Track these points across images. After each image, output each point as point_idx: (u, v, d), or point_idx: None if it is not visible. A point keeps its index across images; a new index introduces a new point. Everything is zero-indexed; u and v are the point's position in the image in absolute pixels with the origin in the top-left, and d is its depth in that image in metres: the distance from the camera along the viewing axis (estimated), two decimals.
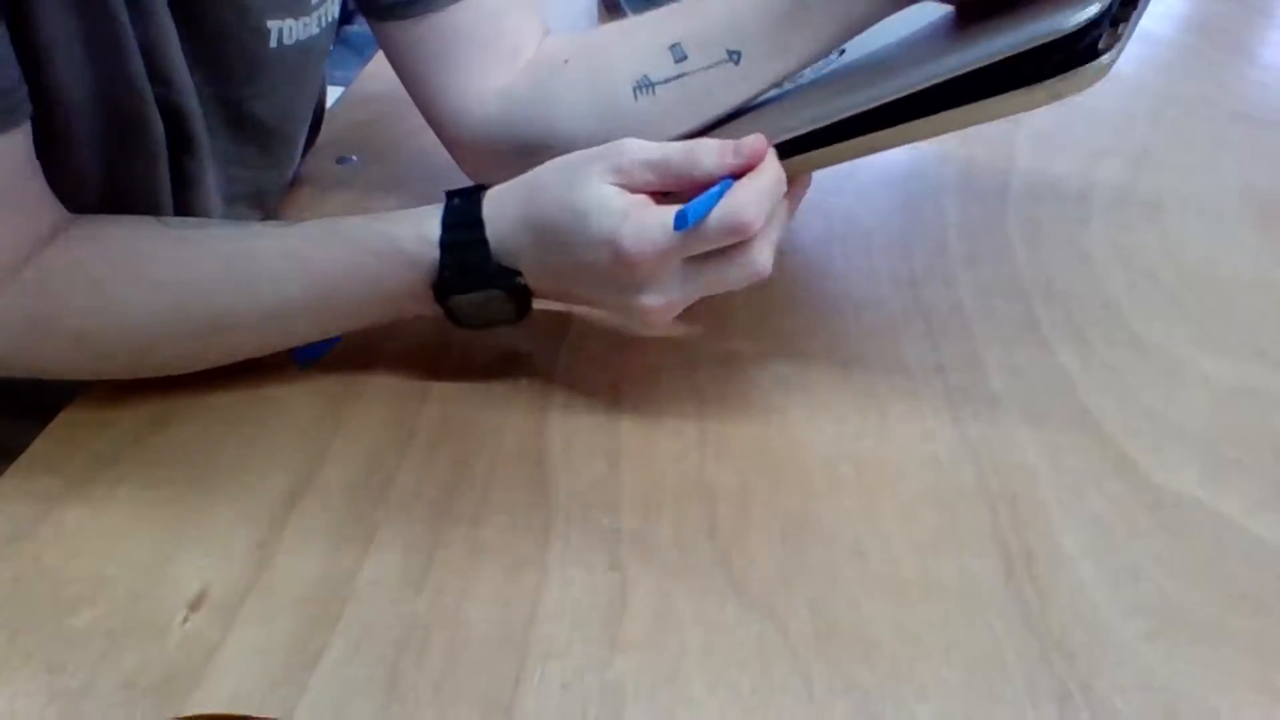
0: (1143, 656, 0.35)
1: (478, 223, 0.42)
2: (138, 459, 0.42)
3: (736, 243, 0.39)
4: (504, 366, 0.48)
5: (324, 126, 0.66)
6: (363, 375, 0.47)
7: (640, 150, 0.40)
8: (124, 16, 0.42)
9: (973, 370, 0.48)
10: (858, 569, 0.38)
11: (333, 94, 0.76)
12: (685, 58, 0.49)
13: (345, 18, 0.61)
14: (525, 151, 0.53)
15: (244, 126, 0.52)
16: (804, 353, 0.49)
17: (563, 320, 0.51)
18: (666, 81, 0.49)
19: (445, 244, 0.42)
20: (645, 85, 0.50)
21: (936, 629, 0.36)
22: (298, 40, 0.50)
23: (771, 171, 0.40)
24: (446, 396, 0.46)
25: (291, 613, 0.36)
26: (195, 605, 0.36)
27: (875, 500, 0.41)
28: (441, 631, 0.35)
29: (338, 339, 0.47)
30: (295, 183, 0.63)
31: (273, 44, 0.49)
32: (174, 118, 0.47)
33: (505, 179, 0.58)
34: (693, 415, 0.45)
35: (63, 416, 0.44)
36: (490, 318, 0.44)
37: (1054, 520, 0.40)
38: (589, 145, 0.52)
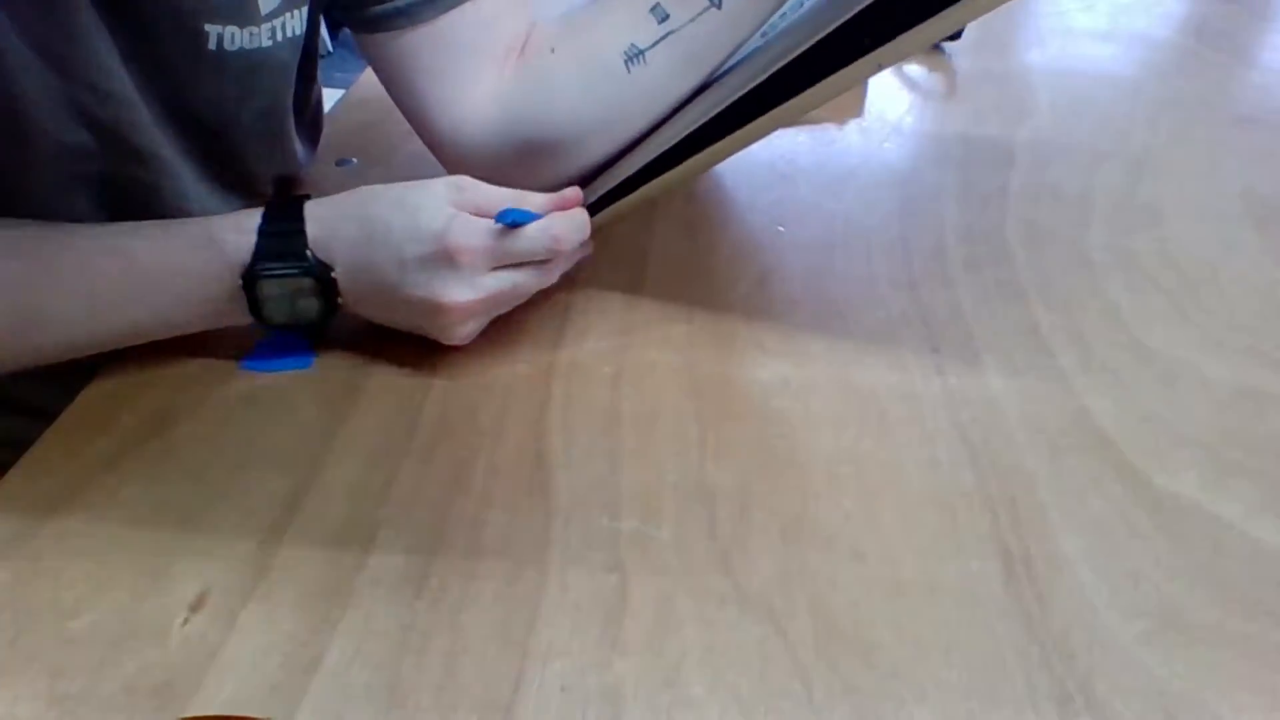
0: (1142, 659, 0.35)
1: (298, 215, 0.45)
2: (138, 461, 0.42)
3: (540, 261, 0.47)
4: (504, 366, 0.48)
5: (324, 129, 0.66)
6: (363, 375, 0.47)
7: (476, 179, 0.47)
8: (9, 38, 0.40)
9: (972, 372, 0.48)
10: (858, 570, 0.38)
11: (333, 96, 0.76)
12: (668, 16, 0.49)
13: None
14: (528, 151, 0.53)
15: (188, 126, 0.50)
16: (804, 354, 0.50)
17: (562, 319, 0.51)
18: (654, 45, 0.49)
19: (262, 230, 0.44)
20: (635, 54, 0.49)
21: (936, 631, 0.36)
22: (242, 48, 0.48)
23: (582, 214, 0.49)
24: (446, 396, 0.46)
25: (292, 615, 0.36)
26: (196, 608, 0.36)
27: (875, 502, 0.41)
28: (441, 633, 0.35)
29: (306, 360, 0.48)
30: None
31: (211, 46, 0.47)
32: (109, 129, 0.45)
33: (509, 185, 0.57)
34: (693, 415, 0.45)
35: (63, 418, 0.44)
36: (296, 313, 0.45)
37: (1054, 523, 0.40)
38: (593, 129, 0.52)
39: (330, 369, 0.47)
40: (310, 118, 0.62)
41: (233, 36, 0.48)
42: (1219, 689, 0.34)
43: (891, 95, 0.80)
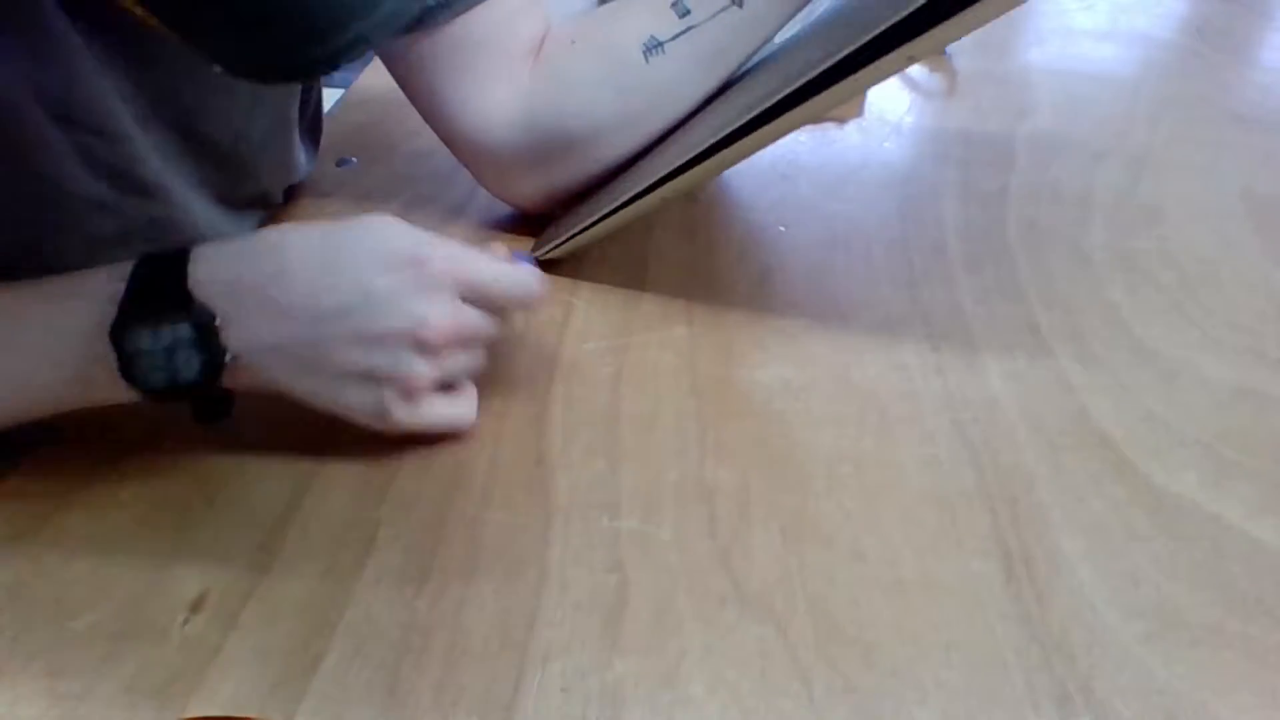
0: (1142, 659, 0.35)
1: (181, 253, 0.37)
2: (138, 462, 0.42)
3: (498, 309, 0.42)
4: (504, 367, 0.48)
5: (323, 129, 0.66)
6: None
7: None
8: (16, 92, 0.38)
9: (972, 372, 0.48)
10: (858, 570, 0.38)
11: (332, 96, 0.76)
12: (689, 12, 0.49)
13: None
14: (548, 147, 0.53)
15: (198, 152, 0.49)
16: (804, 353, 0.50)
17: (562, 320, 0.51)
18: (675, 38, 0.49)
19: (134, 273, 0.37)
20: (654, 46, 0.49)
21: (936, 630, 0.36)
22: None
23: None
24: None
25: (292, 615, 0.36)
26: (196, 608, 0.36)
27: (875, 501, 0.41)
28: (441, 634, 0.35)
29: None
30: (295, 186, 0.63)
31: (217, 68, 0.47)
32: (122, 172, 0.44)
33: (534, 187, 0.57)
34: (693, 415, 0.45)
35: (63, 419, 0.44)
36: (176, 376, 0.37)
37: (1054, 522, 0.40)
38: (611, 122, 0.52)
39: None
40: (310, 120, 0.62)
41: None
42: (1219, 689, 0.34)
43: (892, 95, 0.80)
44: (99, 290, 0.37)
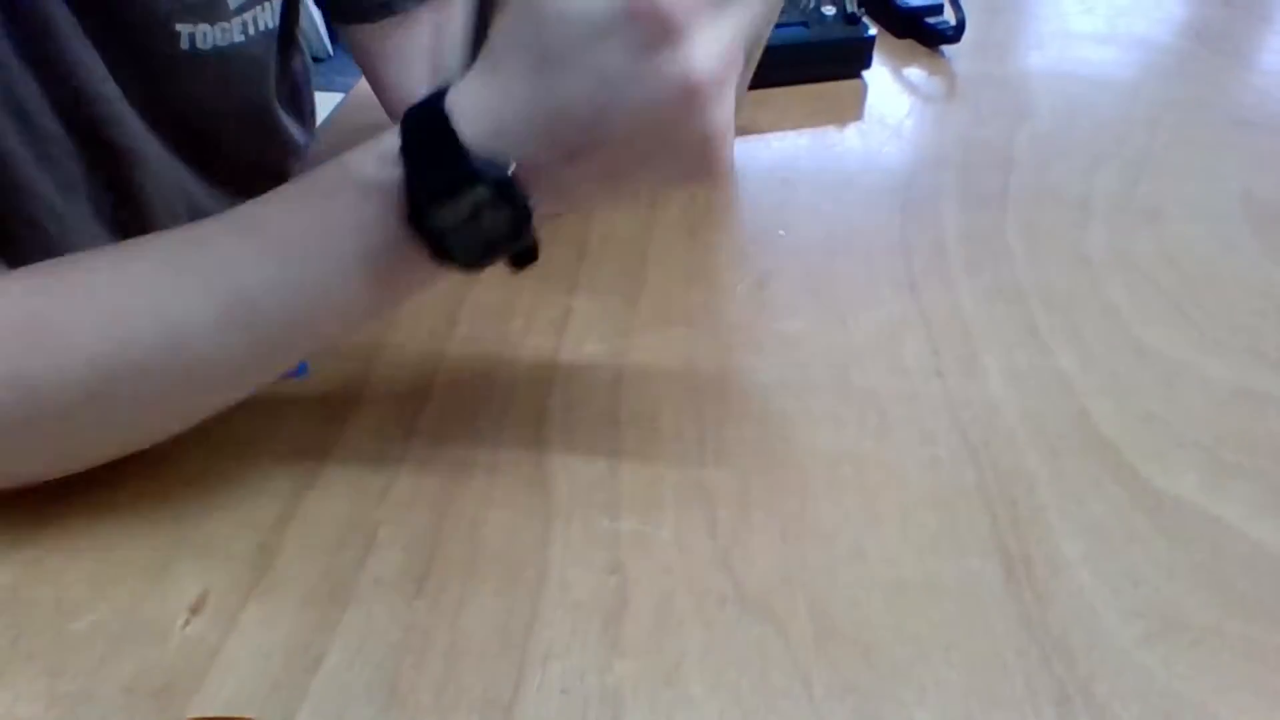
0: (1142, 660, 0.35)
1: (439, 114, 0.33)
2: (138, 462, 0.42)
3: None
4: (503, 367, 0.48)
5: (324, 131, 0.66)
6: (362, 376, 0.47)
7: None
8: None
9: (972, 374, 0.48)
10: (858, 570, 0.38)
11: (333, 99, 0.76)
12: None
13: None
14: None
15: (172, 124, 0.50)
16: (804, 355, 0.50)
17: (562, 321, 0.51)
18: None
19: (408, 150, 0.33)
20: None
21: (936, 631, 0.36)
22: (215, 46, 0.48)
23: None
24: (446, 396, 0.46)
25: (292, 616, 0.36)
26: (196, 609, 0.36)
27: (875, 502, 0.41)
28: (441, 634, 0.35)
29: (299, 370, 0.43)
30: (290, 176, 0.63)
31: (184, 46, 0.47)
32: (87, 128, 0.45)
33: None
34: (693, 415, 0.45)
35: None
36: (490, 238, 0.34)
37: (1053, 524, 0.40)
38: None
39: (330, 370, 0.47)
40: (289, 92, 0.61)
41: (205, 35, 0.47)
42: (1219, 691, 0.34)
43: (891, 98, 0.80)
44: (381, 182, 0.34)
